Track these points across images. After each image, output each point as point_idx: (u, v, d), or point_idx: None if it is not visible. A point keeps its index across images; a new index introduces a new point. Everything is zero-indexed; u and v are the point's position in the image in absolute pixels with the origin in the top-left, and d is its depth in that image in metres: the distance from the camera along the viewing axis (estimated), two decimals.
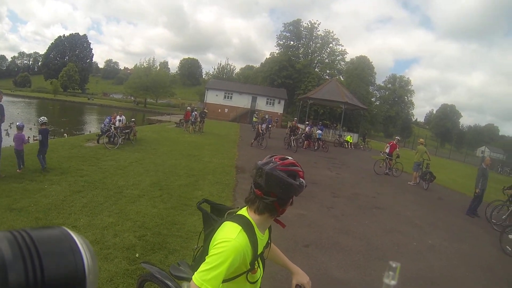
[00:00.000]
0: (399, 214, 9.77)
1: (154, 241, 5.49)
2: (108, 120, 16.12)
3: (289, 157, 1.78)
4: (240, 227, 1.65)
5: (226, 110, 57.95)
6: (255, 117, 37.99)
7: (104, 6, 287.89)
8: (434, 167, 17.37)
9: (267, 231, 1.89)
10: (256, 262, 1.71)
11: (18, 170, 8.85)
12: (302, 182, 1.72)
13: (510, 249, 7.78)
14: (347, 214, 9.01)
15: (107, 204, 7.12)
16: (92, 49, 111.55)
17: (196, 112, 26.51)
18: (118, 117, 16.83)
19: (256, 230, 1.71)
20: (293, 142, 22.25)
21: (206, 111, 31.42)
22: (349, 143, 31.39)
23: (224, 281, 1.60)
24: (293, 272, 2.14)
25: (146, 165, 11.63)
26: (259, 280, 1.85)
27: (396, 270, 1.03)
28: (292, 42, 70.76)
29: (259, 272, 1.81)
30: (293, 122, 25.49)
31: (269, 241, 1.95)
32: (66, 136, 19.82)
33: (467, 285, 5.81)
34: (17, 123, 9.80)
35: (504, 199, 10.34)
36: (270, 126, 28.98)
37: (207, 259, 1.56)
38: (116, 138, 15.07)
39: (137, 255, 4.93)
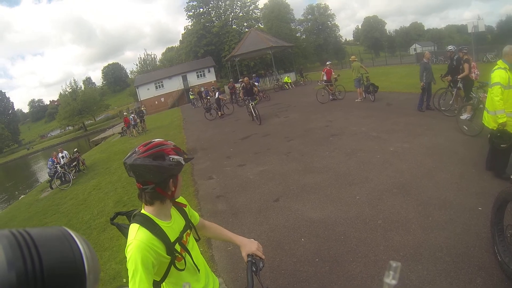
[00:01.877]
0: (356, 133, 9.72)
1: None
2: (50, 162, 15.39)
3: (156, 139, 1.70)
4: (138, 225, 1.64)
5: (162, 99, 57.03)
6: (191, 95, 37.33)
7: (1, 49, 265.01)
8: (376, 76, 17.60)
9: (177, 216, 1.86)
10: (174, 249, 1.69)
11: None
12: (173, 159, 1.64)
13: (466, 128, 7.92)
14: (306, 153, 8.86)
15: None
16: (9, 98, 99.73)
17: (133, 115, 25.85)
18: (60, 154, 16.13)
19: (157, 221, 1.68)
20: (254, 109, 15.35)
21: (143, 109, 30.70)
22: (288, 84, 31.12)
23: (161, 280, 1.70)
24: (239, 245, 2.03)
25: (104, 187, 11.38)
26: (196, 263, 1.84)
27: (396, 270, 0.95)
28: (201, 9, 68.61)
29: (187, 258, 1.79)
30: (245, 79, 17.91)
31: (190, 225, 1.92)
32: (20, 198, 18.77)
33: (437, 176, 5.79)
34: None
35: (446, 86, 10.51)
36: (208, 97, 28.61)
37: (128, 269, 1.55)
38: (67, 176, 14.64)
39: (124, 281, 4.79)
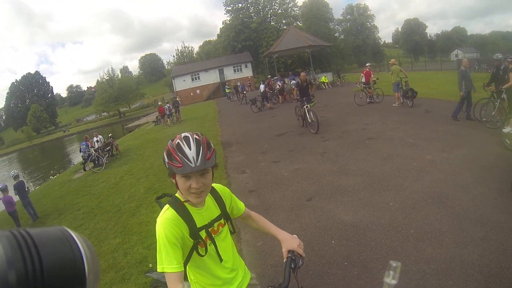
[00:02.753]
0: (392, 138, 9.59)
1: None
2: (84, 145, 15.99)
3: (195, 136, 1.71)
4: (168, 205, 1.75)
5: (197, 91, 57.69)
6: (228, 88, 37.66)
7: (43, 37, 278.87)
8: (414, 81, 17.22)
9: (212, 205, 1.90)
10: (199, 236, 1.76)
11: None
12: (168, 164, 1.68)
13: (509, 142, 7.59)
14: (341, 154, 8.84)
15: (110, 226, 7.25)
16: (49, 82, 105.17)
17: (169, 105, 26.28)
18: (95, 139, 16.68)
19: (186, 205, 1.76)
20: (310, 113, 12.17)
21: (179, 99, 31.17)
22: (325, 84, 30.92)
23: (185, 263, 1.72)
24: (281, 240, 2.00)
25: (136, 173, 11.66)
26: (221, 254, 1.86)
27: (396, 270, 0.98)
28: (240, 5, 69.19)
29: (211, 246, 1.83)
30: (302, 74, 13.95)
31: (226, 216, 1.96)
32: (52, 178, 19.44)
33: (474, 190, 5.63)
34: None
35: (488, 95, 10.18)
36: (244, 92, 28.81)
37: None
38: (100, 159, 15.07)
39: (150, 265, 4.89)
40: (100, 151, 15.50)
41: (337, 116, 14.79)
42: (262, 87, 22.90)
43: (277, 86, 24.63)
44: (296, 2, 70.31)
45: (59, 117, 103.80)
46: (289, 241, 1.95)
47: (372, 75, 17.32)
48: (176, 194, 1.81)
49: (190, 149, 1.62)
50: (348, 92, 21.06)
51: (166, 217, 1.68)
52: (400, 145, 8.80)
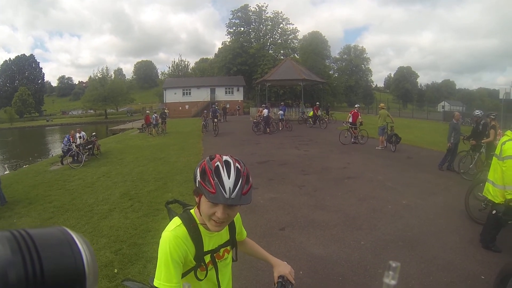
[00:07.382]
0: (371, 180, 9.72)
1: (131, 253, 5.47)
2: (66, 139, 15.71)
3: (236, 162, 1.59)
4: (180, 221, 1.65)
5: (186, 106, 57.63)
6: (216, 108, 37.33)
7: (43, 22, 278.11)
8: (400, 128, 17.54)
9: (224, 230, 1.80)
10: (203, 259, 1.67)
11: None
12: (198, 176, 1.54)
13: (480, 194, 7.73)
14: (320, 189, 8.90)
15: (80, 225, 7.04)
16: (41, 68, 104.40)
17: (156, 115, 26.16)
18: (77, 134, 16.34)
19: (199, 226, 1.67)
20: None
21: (167, 111, 30.76)
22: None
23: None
24: (273, 265, 2.02)
25: (114, 177, 11.52)
26: (220, 280, 1.80)
27: (396, 270, 0.95)
28: (242, 29, 70.27)
29: (212, 271, 1.75)
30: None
31: (233, 243, 1.90)
32: (24, 167, 18.97)
33: (445, 237, 5.75)
34: None
35: (467, 148, 10.50)
36: (218, 115, 26.30)
37: (158, 257, 1.58)
38: (79, 156, 14.76)
39: (115, 271, 4.88)
40: (81, 147, 15.24)
41: (320, 152, 14.95)
42: (265, 111, 23.26)
43: (263, 114, 23.72)
44: (296, 35, 71.92)
45: (45, 105, 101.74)
46: (281, 267, 1.97)
47: (359, 117, 17.67)
48: (192, 211, 1.71)
49: (229, 178, 1.49)
50: (334, 130, 21.31)
51: (175, 234, 1.58)
52: (378, 187, 8.92)
